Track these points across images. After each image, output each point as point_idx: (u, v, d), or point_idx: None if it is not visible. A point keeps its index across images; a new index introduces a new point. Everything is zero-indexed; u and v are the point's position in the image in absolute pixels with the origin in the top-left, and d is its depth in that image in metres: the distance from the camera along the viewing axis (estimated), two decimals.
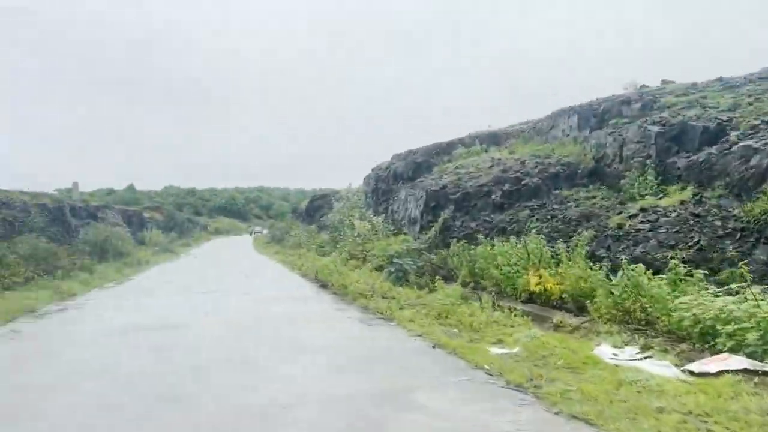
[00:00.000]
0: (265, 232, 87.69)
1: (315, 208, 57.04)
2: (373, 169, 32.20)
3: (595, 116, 17.23)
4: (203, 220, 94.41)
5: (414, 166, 25.31)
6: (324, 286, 17.23)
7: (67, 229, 34.07)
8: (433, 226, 18.18)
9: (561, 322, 9.64)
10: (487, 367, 7.39)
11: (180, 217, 72.53)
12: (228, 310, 13.52)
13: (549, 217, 14.96)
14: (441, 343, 8.79)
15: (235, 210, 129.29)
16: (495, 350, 8.27)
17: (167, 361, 8.35)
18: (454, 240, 16.31)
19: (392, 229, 22.57)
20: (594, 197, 15.12)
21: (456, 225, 17.59)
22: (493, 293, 12.09)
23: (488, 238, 14.91)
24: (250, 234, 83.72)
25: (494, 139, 23.84)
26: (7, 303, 15.20)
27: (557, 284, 10.77)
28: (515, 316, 10.25)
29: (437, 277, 15.04)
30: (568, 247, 12.80)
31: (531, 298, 11.65)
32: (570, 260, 11.23)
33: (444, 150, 24.63)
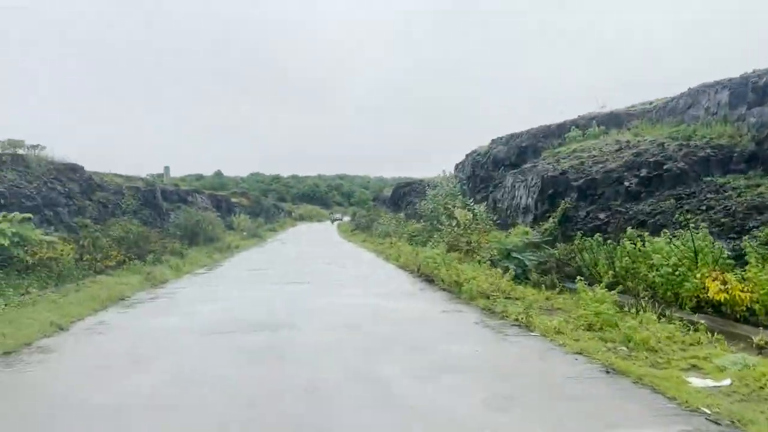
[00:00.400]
0: (346, 218, 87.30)
1: (400, 196, 55.45)
2: (467, 155, 30.06)
3: (755, 90, 14.37)
4: (287, 206, 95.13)
5: (518, 151, 23.02)
6: (429, 280, 15.39)
7: (159, 213, 34.01)
8: (550, 217, 15.96)
9: (766, 343, 7.35)
10: (706, 411, 5.28)
11: (266, 203, 72.96)
12: (331, 306, 11.93)
13: (704, 208, 12.42)
14: (615, 367, 6.74)
15: (317, 197, 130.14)
16: (696, 381, 6.15)
17: (278, 376, 6.78)
18: (578, 233, 14.06)
19: (495, 219, 20.47)
20: (759, 185, 12.48)
21: (579, 216, 15.28)
22: (646, 298, 9.84)
23: (623, 231, 12.58)
24: (332, 221, 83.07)
25: (614, 120, 21.15)
26: (98, 289, 14.33)
27: (746, 292, 8.44)
28: (694, 330, 8.01)
29: (562, 275, 12.91)
30: (735, 245, 10.38)
31: (699, 307, 9.36)
32: (762, 263, 8.81)
33: (553, 133, 22.20)
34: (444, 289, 13.77)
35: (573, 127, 20.99)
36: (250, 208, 64.57)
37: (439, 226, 24.94)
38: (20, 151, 23.39)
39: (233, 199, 66.70)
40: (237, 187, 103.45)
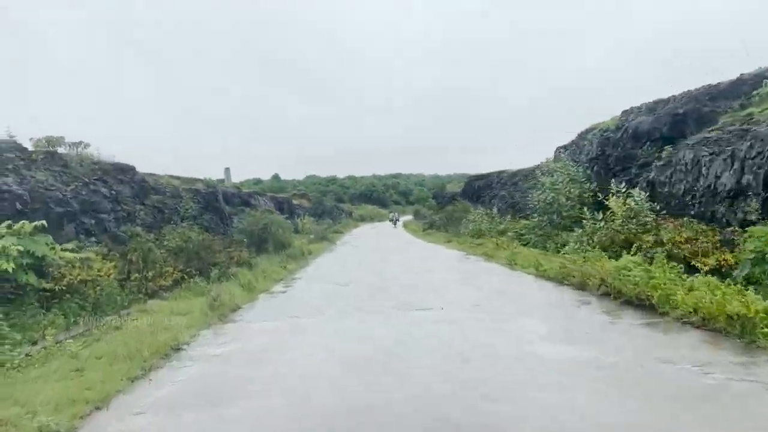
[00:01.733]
0: (406, 218, 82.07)
1: (474, 191, 50.00)
2: (581, 135, 24.42)
3: None
4: (347, 207, 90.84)
5: (670, 120, 17.36)
6: (628, 302, 10.09)
7: (221, 218, 29.73)
8: None
9: None
10: None
11: (328, 204, 68.66)
12: (493, 359, 6.94)
13: None
14: None
15: (375, 196, 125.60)
16: None
17: None
18: None
19: (659, 207, 15.01)
20: None
21: None
22: None
23: None
24: (391, 221, 75.94)
25: None
26: (144, 327, 9.71)
27: None
28: None
29: None
30: None
31: None
32: None
33: (725, 92, 16.50)
34: (678, 321, 8.45)
35: (766, 81, 15.25)
36: (311, 209, 60.39)
37: (560, 221, 19.67)
38: (60, 150, 19.31)
39: (294, 201, 62.67)
40: (295, 189, 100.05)
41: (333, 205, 74.43)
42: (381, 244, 34.15)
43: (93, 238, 15.14)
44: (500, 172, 44.02)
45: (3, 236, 9.09)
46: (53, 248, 9.99)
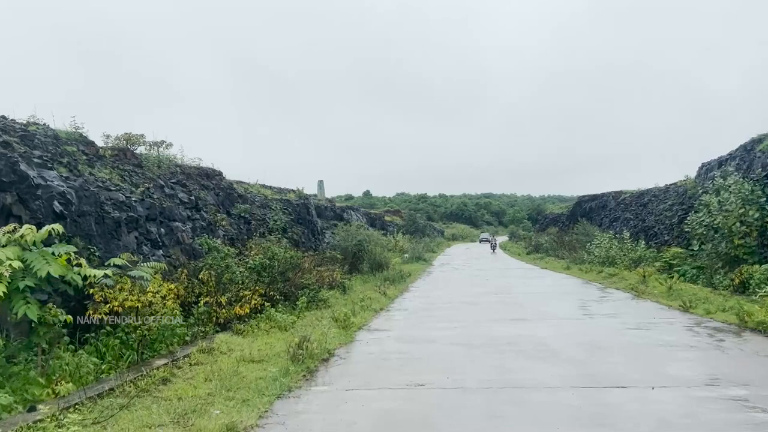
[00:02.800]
0: (500, 239, 76.22)
1: (584, 212, 44.84)
2: (745, 147, 19.53)
3: None
4: (438, 225, 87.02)
5: None
6: None
7: (313, 231, 26.87)
8: None
9: None
10: None
11: (421, 222, 65.18)
12: None
13: None
14: None
15: (466, 216, 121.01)
16: None
17: None
18: None
19: None
20: None
21: None
22: None
23: None
24: (487, 242, 67.80)
25: None
26: (198, 387, 6.48)
27: None
28: None
29: None
30: None
31: None
32: None
33: None
34: None
35: None
36: (404, 227, 57.19)
37: (730, 251, 15.15)
38: (140, 150, 17.02)
39: (386, 218, 59.74)
40: (386, 206, 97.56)
41: (425, 222, 70.91)
42: (485, 267, 30.08)
43: (160, 251, 12.34)
44: (618, 192, 38.86)
45: (4, 246, 6.14)
46: (78, 263, 6.96)
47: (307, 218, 26.18)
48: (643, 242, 22.89)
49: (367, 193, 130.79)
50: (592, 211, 42.11)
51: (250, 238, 18.94)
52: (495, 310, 12.89)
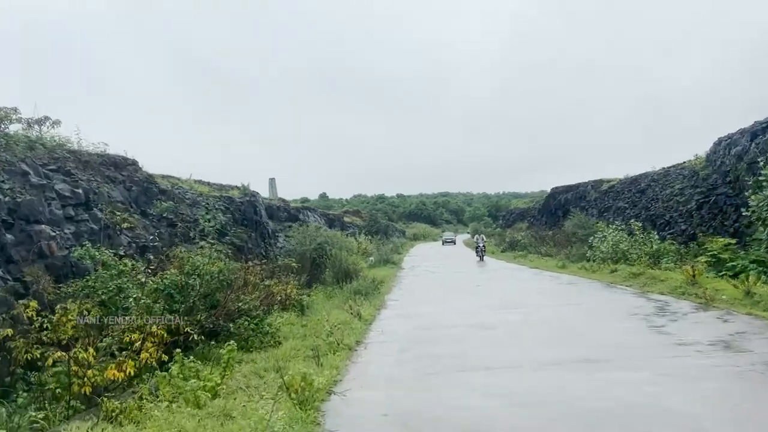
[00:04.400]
0: (461, 237, 72.33)
1: (558, 205, 41.26)
2: None
3: None
4: (399, 226, 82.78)
5: None
6: None
7: (262, 235, 21.99)
8: None
9: None
10: None
11: (383, 222, 60.74)
12: None
13: None
14: None
15: (425, 215, 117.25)
16: None
17: None
18: None
19: None
20: None
21: None
22: None
23: None
24: (444, 243, 61.74)
25: None
26: None
27: None
28: None
29: None
30: None
31: None
32: None
33: None
34: None
35: None
36: (366, 227, 52.56)
37: None
38: (14, 128, 12.00)
39: (346, 219, 54.99)
40: (343, 208, 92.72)
41: (387, 222, 66.53)
42: (464, 269, 25.80)
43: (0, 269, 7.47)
44: (597, 181, 35.30)
45: None
46: None
47: (254, 219, 21.31)
48: (656, 233, 18.97)
49: (323, 196, 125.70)
50: (569, 202, 38.48)
51: (174, 246, 14.07)
52: (529, 340, 8.44)
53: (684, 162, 23.33)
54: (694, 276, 12.43)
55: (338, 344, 8.38)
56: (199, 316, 8.45)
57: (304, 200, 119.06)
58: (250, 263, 15.00)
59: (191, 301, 8.63)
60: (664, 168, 24.54)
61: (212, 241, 15.23)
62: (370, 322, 11.22)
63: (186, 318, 8.33)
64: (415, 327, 10.43)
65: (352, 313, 11.29)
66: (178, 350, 7.04)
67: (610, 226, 20.52)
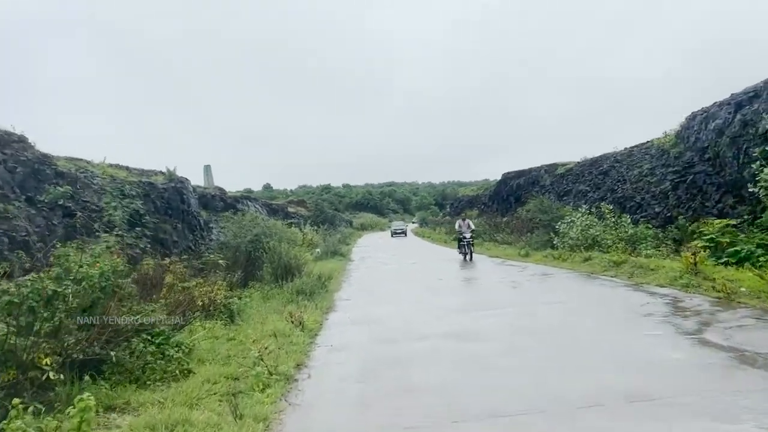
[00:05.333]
0: (411, 226, 70.30)
1: (511, 191, 39.75)
2: None
3: None
4: (345, 216, 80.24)
5: None
6: None
7: (191, 226, 19.13)
8: None
9: None
10: None
11: (329, 212, 58.07)
12: None
13: None
14: None
15: (371, 205, 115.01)
16: None
17: None
18: None
19: None
20: None
21: None
22: None
23: None
24: (394, 234, 53.76)
25: None
26: None
27: None
28: None
29: None
30: None
31: None
32: None
33: None
34: None
35: None
36: (311, 218, 49.75)
37: None
38: None
39: (290, 209, 51.98)
40: (287, 198, 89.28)
41: (333, 212, 63.88)
42: (418, 259, 23.68)
43: None
44: (552, 165, 33.84)
45: None
46: None
47: (181, 208, 18.42)
48: (628, 217, 17.31)
49: (267, 186, 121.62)
50: (521, 188, 37.02)
51: (70, 240, 11.18)
52: (532, 361, 6.12)
53: (647, 142, 21.88)
54: (695, 264, 10.58)
55: (270, 373, 5.92)
56: (65, 340, 5.79)
57: (248, 191, 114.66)
58: (168, 259, 12.31)
59: (59, 318, 5.96)
60: (626, 148, 23.06)
61: (121, 233, 12.39)
62: (316, 332, 8.79)
63: (48, 344, 5.69)
64: (374, 338, 8.07)
65: (293, 321, 8.81)
66: (17, 400, 4.44)
67: (579, 210, 18.71)
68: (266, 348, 6.49)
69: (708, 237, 12.04)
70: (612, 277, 12.47)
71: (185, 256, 15.33)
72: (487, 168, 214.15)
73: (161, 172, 20.17)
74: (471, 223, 22.29)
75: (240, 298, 11.04)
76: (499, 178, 46.88)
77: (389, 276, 17.79)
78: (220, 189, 32.99)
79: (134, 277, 12.02)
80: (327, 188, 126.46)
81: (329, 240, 29.96)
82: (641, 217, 17.93)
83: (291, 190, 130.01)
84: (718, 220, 12.70)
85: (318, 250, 28.68)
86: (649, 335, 6.85)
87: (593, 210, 18.48)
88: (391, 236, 52.70)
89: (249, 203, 35.41)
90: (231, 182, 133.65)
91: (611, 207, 18.15)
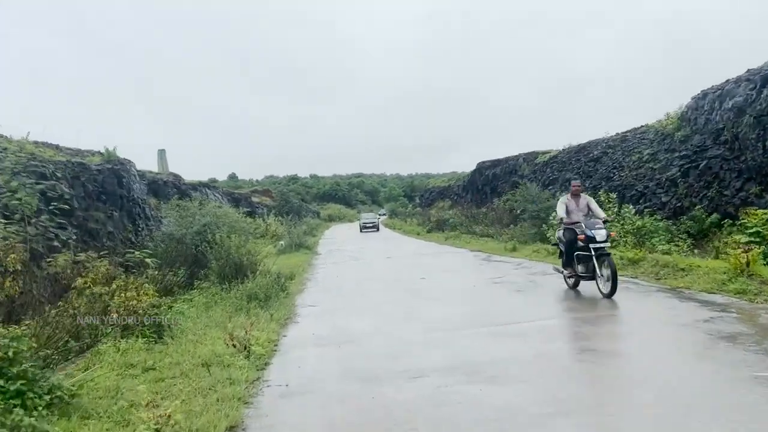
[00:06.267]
0: (382, 218, 67.43)
1: (486, 181, 37.76)
2: None
3: None
4: (313, 207, 77.43)
5: None
6: None
7: (131, 214, 16.40)
8: None
9: None
10: None
11: (295, 202, 55.31)
12: None
13: None
14: None
15: (339, 196, 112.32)
16: None
17: None
18: None
19: None
20: None
21: None
22: None
23: None
24: (364, 229, 45.57)
25: None
26: None
27: None
28: None
29: None
30: None
31: None
32: None
33: None
34: None
35: None
36: (276, 208, 46.95)
37: None
38: None
39: (254, 199, 49.07)
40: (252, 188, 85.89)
41: (300, 203, 61.07)
42: (393, 254, 21.41)
43: None
44: (530, 154, 31.93)
45: None
46: None
47: (119, 193, 15.62)
48: (630, 207, 15.31)
49: (232, 176, 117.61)
50: (497, 177, 35.10)
51: None
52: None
53: (641, 126, 19.99)
54: (748, 264, 8.49)
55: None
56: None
57: (212, 180, 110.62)
58: (84, 255, 9.71)
59: None
60: (618, 133, 21.14)
61: (24, 225, 9.69)
62: (267, 359, 6.39)
63: None
64: (348, 372, 5.71)
65: (234, 345, 6.36)
66: None
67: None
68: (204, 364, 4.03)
69: (752, 230, 9.97)
70: (632, 277, 10.35)
71: (119, 251, 12.75)
72: (457, 159, 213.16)
73: (99, 153, 17.32)
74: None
75: (171, 307, 8.52)
76: (469, 169, 44.93)
77: (362, 274, 15.40)
78: (175, 175, 30.05)
79: (44, 275, 9.45)
80: (294, 179, 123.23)
81: (294, 231, 27.34)
82: (645, 207, 15.97)
83: (257, 180, 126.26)
84: (762, 210, 10.68)
85: (282, 242, 26.14)
86: (762, 377, 4.63)
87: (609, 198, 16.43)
88: (360, 231, 44.84)
89: (208, 191, 32.55)
90: (196, 171, 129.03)
91: (614, 196, 16.10)
